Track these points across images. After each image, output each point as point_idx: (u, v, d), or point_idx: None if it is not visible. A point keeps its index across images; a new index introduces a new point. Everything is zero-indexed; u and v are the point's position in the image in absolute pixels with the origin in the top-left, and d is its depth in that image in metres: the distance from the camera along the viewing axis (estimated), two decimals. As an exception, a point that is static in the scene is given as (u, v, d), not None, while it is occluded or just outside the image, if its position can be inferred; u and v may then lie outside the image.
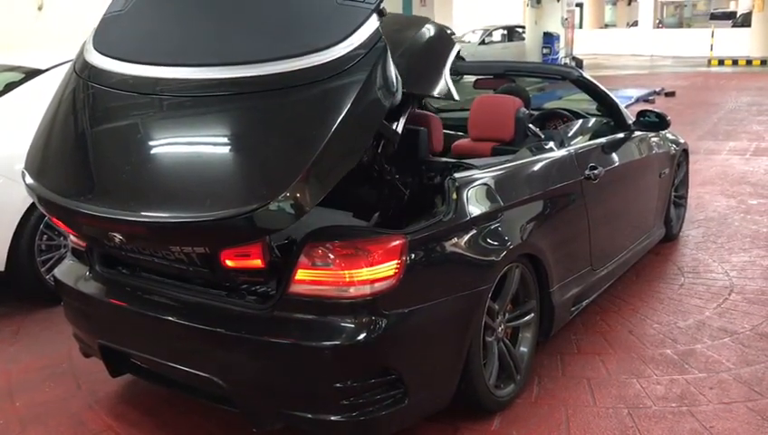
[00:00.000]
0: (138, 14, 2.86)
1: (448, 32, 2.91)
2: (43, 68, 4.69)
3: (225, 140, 2.49)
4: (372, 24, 2.45)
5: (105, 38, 2.84)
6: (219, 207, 2.21)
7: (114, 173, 2.55)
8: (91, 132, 2.72)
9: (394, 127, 2.74)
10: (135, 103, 2.61)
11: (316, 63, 2.36)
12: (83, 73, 2.78)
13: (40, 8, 7.82)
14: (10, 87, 4.56)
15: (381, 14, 2.49)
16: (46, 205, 2.59)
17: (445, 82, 2.92)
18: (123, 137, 2.60)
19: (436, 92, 2.92)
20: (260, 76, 2.38)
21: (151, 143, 2.55)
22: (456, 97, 2.97)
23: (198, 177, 2.40)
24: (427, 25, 3.03)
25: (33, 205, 4.21)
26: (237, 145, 2.44)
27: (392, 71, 2.49)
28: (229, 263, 2.54)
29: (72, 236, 3.17)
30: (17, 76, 4.69)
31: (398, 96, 2.51)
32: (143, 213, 2.33)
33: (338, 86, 2.36)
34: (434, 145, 3.25)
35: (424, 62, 2.94)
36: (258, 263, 2.50)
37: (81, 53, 2.86)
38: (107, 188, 2.54)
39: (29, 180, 2.64)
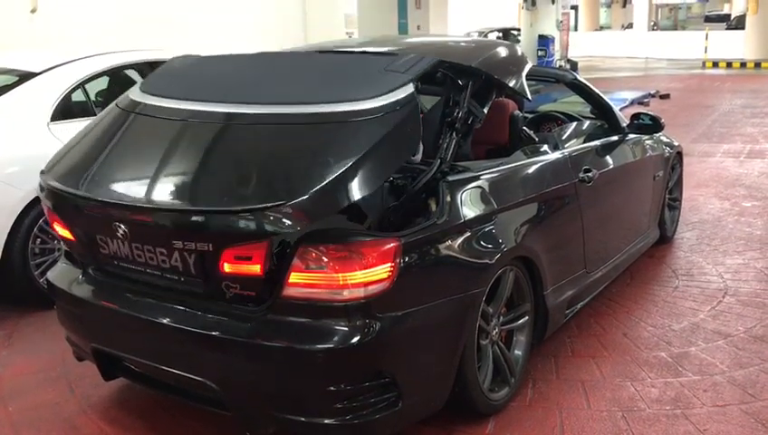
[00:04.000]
0: (205, 67, 3.40)
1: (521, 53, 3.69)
2: (37, 71, 4.68)
3: (266, 155, 2.71)
4: (408, 88, 2.81)
5: (160, 83, 3.29)
6: (252, 202, 2.44)
7: (169, 176, 2.76)
8: (143, 148, 2.96)
9: (482, 109, 3.19)
10: (188, 126, 2.87)
11: (355, 108, 2.69)
12: (134, 108, 3.07)
13: (33, 11, 7.79)
14: (3, 90, 4.55)
15: (417, 85, 2.87)
16: (75, 200, 2.76)
17: (522, 80, 3.43)
18: (183, 151, 2.84)
19: (515, 86, 3.37)
20: (306, 113, 2.74)
21: (197, 158, 2.78)
22: (529, 97, 3.47)
23: (241, 179, 2.63)
24: (512, 44, 3.86)
25: (26, 208, 4.22)
26: (275, 158, 2.68)
27: (419, 126, 2.75)
28: (227, 267, 2.51)
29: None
30: (10, 79, 4.68)
31: (420, 148, 2.82)
32: (184, 203, 2.61)
33: (371, 127, 2.64)
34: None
35: (507, 60, 3.52)
36: (257, 269, 2.47)
37: (126, 97, 3.20)
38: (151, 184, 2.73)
39: (50, 180, 2.87)
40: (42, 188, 2.96)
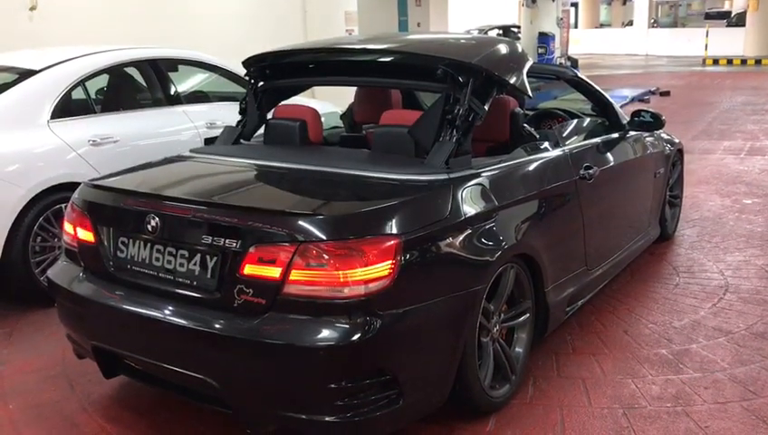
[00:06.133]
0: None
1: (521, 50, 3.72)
2: (37, 69, 4.67)
3: (317, 190, 3.05)
4: (442, 175, 2.97)
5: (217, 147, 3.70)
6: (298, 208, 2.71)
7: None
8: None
9: (483, 106, 3.21)
10: (251, 168, 3.32)
11: (401, 178, 2.95)
12: (189, 157, 3.48)
13: (32, 8, 7.75)
14: (3, 88, 4.54)
15: (451, 181, 2.97)
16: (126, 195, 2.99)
17: (523, 77, 3.46)
18: (238, 178, 3.26)
19: (516, 83, 3.39)
20: (360, 175, 3.05)
21: (252, 183, 3.23)
22: (530, 94, 3.49)
23: (289, 195, 3.12)
24: (513, 41, 3.87)
25: (27, 206, 4.21)
26: (323, 194, 3.00)
27: (445, 205, 2.85)
28: (248, 269, 2.53)
29: (66, 237, 3.17)
30: (10, 77, 4.67)
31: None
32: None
33: (405, 189, 2.85)
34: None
35: (508, 57, 3.53)
36: (277, 273, 2.49)
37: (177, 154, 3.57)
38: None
39: (98, 181, 3.18)
40: (81, 193, 3.10)
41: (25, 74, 4.64)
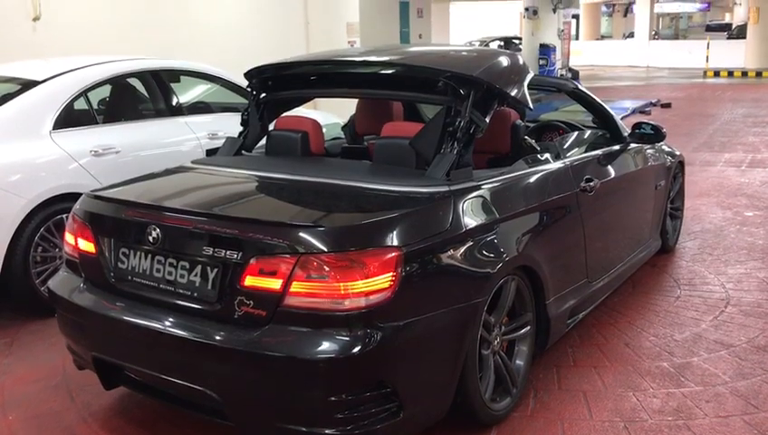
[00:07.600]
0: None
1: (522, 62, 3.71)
2: (40, 79, 4.69)
3: (318, 202, 3.06)
4: (443, 187, 2.97)
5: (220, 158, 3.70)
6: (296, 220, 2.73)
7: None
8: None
9: (484, 118, 3.22)
10: (254, 179, 3.33)
11: (398, 189, 2.95)
12: (193, 168, 3.48)
13: (35, 19, 7.78)
14: (6, 98, 4.55)
15: (451, 192, 2.97)
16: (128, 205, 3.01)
17: (524, 89, 3.46)
18: (241, 190, 3.26)
19: (517, 95, 3.40)
20: (346, 185, 3.08)
21: (252, 194, 3.24)
22: (531, 106, 3.48)
23: (290, 207, 3.12)
24: (514, 53, 3.90)
25: (28, 216, 4.22)
26: (326, 206, 3.01)
27: (446, 217, 2.85)
28: (248, 281, 2.54)
29: (67, 248, 3.17)
30: (13, 87, 4.68)
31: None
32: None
33: (404, 201, 2.87)
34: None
35: (509, 69, 3.53)
36: (278, 285, 2.50)
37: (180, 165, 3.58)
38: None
39: (100, 192, 3.18)
40: (82, 203, 3.11)
41: (28, 85, 4.65)
